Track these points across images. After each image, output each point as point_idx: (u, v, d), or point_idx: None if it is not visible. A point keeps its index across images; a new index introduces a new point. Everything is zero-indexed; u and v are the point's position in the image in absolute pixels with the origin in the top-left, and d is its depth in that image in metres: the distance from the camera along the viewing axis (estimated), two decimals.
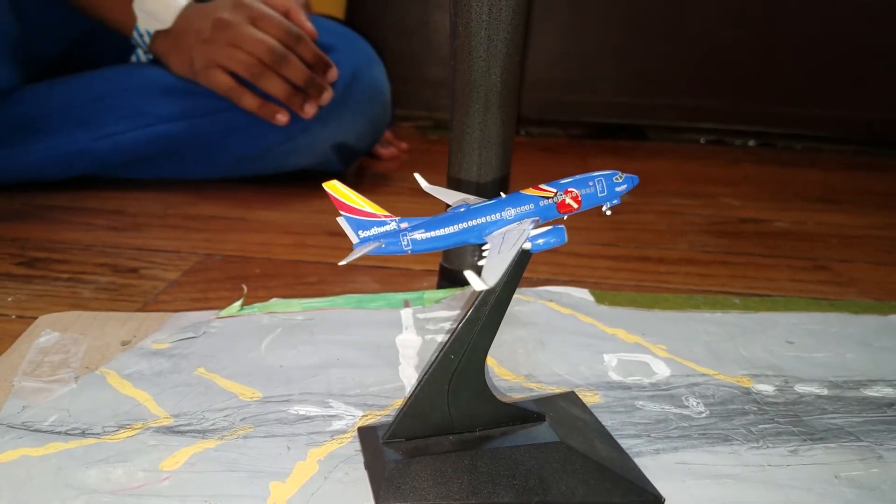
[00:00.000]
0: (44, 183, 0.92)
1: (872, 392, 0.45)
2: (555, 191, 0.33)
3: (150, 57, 0.96)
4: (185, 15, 0.89)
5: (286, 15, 0.91)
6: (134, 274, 0.65)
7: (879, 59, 1.52)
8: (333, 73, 0.92)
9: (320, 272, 0.67)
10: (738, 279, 0.71)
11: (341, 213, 0.33)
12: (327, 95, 0.91)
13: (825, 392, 0.45)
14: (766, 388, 0.45)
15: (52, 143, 0.90)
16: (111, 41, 0.98)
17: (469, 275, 0.28)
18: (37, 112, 0.91)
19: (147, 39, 0.90)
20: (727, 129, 1.63)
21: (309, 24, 0.92)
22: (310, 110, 0.90)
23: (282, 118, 0.90)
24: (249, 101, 0.88)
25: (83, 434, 0.37)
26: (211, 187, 0.97)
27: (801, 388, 0.45)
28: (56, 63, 0.98)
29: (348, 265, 0.69)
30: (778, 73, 1.57)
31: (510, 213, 0.33)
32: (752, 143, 1.63)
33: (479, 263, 0.30)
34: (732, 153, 1.55)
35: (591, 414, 0.41)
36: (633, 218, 0.94)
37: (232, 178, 1.00)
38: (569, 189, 0.33)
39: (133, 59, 0.99)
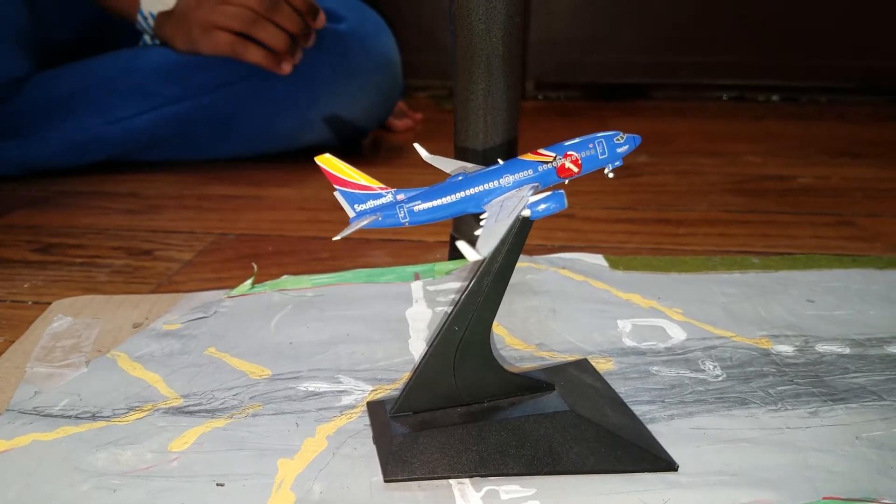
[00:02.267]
0: (59, 171, 0.93)
1: None
2: (554, 155, 0.32)
3: (157, 42, 0.95)
4: None
5: None
6: (148, 256, 0.65)
7: None
8: (321, 19, 0.90)
9: (333, 248, 0.67)
10: (758, 238, 0.69)
11: (336, 187, 0.32)
12: (311, 40, 0.90)
13: (847, 351, 0.44)
14: (786, 349, 0.44)
15: (64, 130, 0.91)
16: (123, 26, 0.98)
17: (462, 245, 0.28)
18: (48, 99, 0.91)
19: (151, 22, 0.90)
20: (750, 84, 1.59)
21: None
22: (298, 56, 0.89)
23: (286, 66, 0.89)
24: (254, 54, 0.88)
25: (93, 417, 0.37)
26: (225, 167, 0.97)
27: (822, 348, 0.44)
28: (69, 49, 0.98)
29: (361, 239, 0.69)
30: (801, 23, 1.51)
31: (508, 179, 0.32)
32: (775, 97, 1.59)
33: (476, 233, 0.29)
34: (755, 109, 1.51)
35: (604, 381, 0.40)
36: (651, 180, 0.92)
37: (245, 156, 1.00)
38: (568, 153, 0.32)
39: (141, 44, 0.99)
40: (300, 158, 0.98)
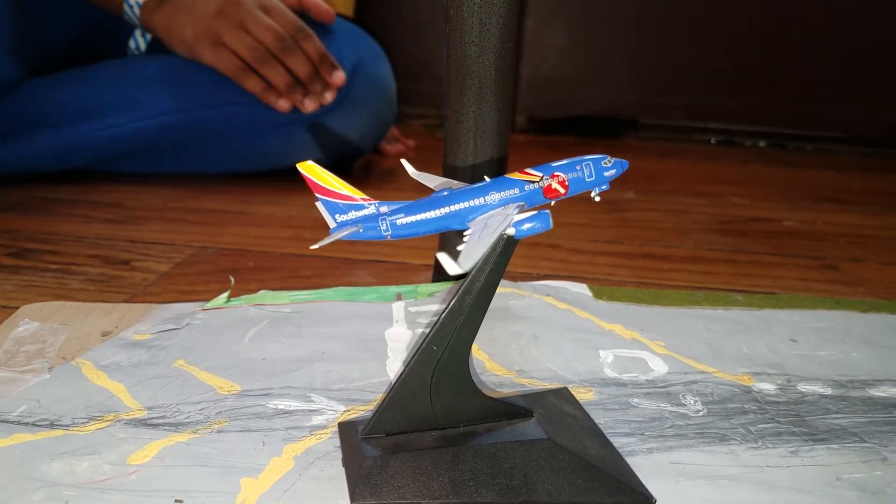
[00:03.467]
0: (44, 176, 0.91)
1: (878, 392, 0.43)
2: (541, 175, 0.31)
3: (147, 38, 0.94)
4: None
5: (300, 2, 0.91)
6: (125, 266, 0.64)
7: (893, 58, 1.49)
8: (340, 77, 0.90)
9: (316, 266, 0.66)
10: (743, 277, 0.69)
11: (318, 196, 0.32)
12: (329, 96, 0.90)
13: (829, 391, 0.43)
14: (768, 387, 0.43)
15: (54, 136, 0.90)
16: (115, 32, 0.97)
17: (442, 257, 0.27)
18: (39, 106, 0.90)
19: (137, 11, 0.89)
20: (737, 129, 1.61)
21: (325, 4, 0.91)
22: (310, 106, 0.89)
23: (283, 104, 0.89)
24: (253, 84, 0.87)
25: (51, 425, 0.36)
26: (212, 181, 0.96)
27: (804, 388, 0.44)
28: (62, 56, 0.97)
29: (345, 259, 0.68)
30: (790, 72, 1.54)
31: (494, 197, 0.31)
32: (762, 143, 1.61)
33: (458, 248, 0.29)
34: (742, 154, 1.53)
35: (583, 411, 0.39)
36: (638, 216, 0.92)
37: (234, 172, 0.99)
38: (555, 173, 0.32)
39: (131, 42, 0.98)
40: (289, 176, 0.97)
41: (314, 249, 0.34)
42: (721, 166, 1.38)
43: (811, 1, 1.47)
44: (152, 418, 0.37)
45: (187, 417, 0.37)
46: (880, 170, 1.41)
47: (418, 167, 0.38)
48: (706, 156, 1.49)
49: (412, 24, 1.60)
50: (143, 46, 0.99)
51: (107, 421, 0.36)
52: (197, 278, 0.62)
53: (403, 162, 0.38)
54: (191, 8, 0.87)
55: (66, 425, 0.36)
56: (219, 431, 0.36)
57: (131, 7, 0.89)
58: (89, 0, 0.91)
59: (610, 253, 0.75)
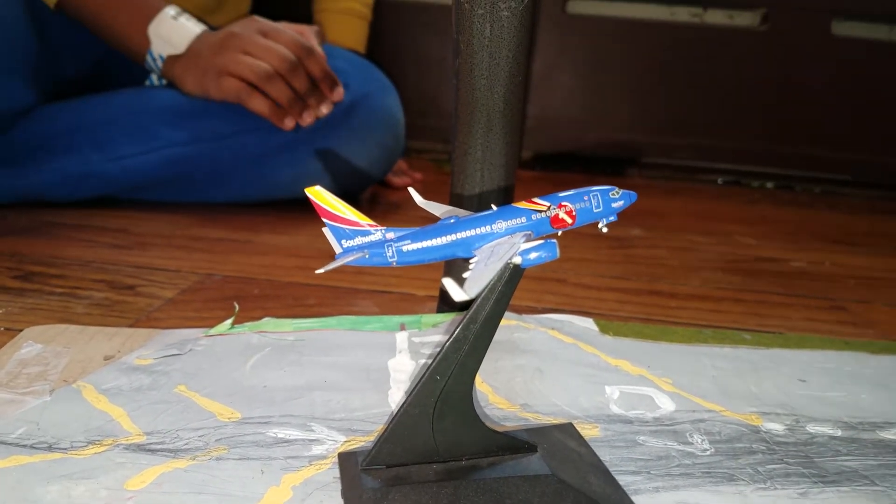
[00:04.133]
0: (52, 203, 0.92)
1: (889, 435, 0.42)
2: (548, 204, 0.31)
3: (164, 81, 0.96)
4: (198, 40, 0.89)
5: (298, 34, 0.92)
6: (130, 291, 0.64)
7: None
8: (340, 93, 0.91)
9: (320, 295, 0.66)
10: (750, 316, 0.68)
11: (325, 221, 0.32)
12: (325, 108, 0.91)
13: (839, 433, 0.42)
14: (776, 427, 0.43)
15: (63, 163, 0.90)
16: (133, 64, 0.99)
17: (448, 282, 0.27)
18: (50, 132, 0.91)
19: (160, 63, 0.91)
20: (745, 170, 1.61)
21: (319, 48, 0.92)
22: (307, 118, 0.90)
23: (289, 123, 0.89)
24: (259, 104, 0.88)
25: (49, 448, 0.35)
26: (219, 210, 0.97)
27: (813, 429, 0.43)
28: (79, 83, 0.98)
29: (350, 288, 0.67)
30: (797, 115, 1.55)
31: (501, 226, 0.31)
32: (770, 184, 1.61)
33: (464, 276, 0.28)
34: (750, 194, 1.53)
35: (589, 447, 0.39)
36: (645, 252, 0.92)
37: (242, 202, 0.99)
38: (563, 203, 0.31)
39: (147, 83, 1.00)
40: (296, 206, 0.98)
41: (319, 275, 0.33)
42: (728, 206, 1.38)
43: (820, 47, 1.49)
44: (151, 444, 0.36)
45: (186, 444, 0.37)
46: (887, 213, 1.41)
47: (425, 198, 0.38)
48: (713, 195, 1.49)
49: (422, 61, 1.62)
50: (156, 84, 1.01)
51: (105, 445, 0.36)
52: (202, 305, 0.62)
53: (410, 190, 0.38)
54: (199, 52, 0.89)
55: (65, 448, 0.35)
56: (217, 459, 0.36)
57: (154, 60, 0.91)
58: (110, 41, 0.92)
59: (616, 289, 0.75)
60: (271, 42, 0.87)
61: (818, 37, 1.47)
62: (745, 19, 1.50)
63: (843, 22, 1.47)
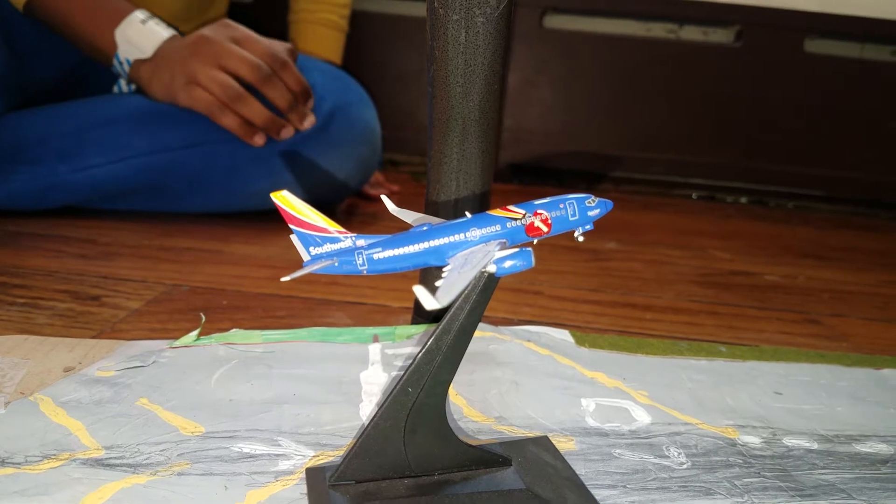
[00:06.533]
0: (17, 212, 0.90)
1: (865, 448, 0.42)
2: (523, 212, 0.31)
3: (132, 87, 0.94)
4: (167, 43, 0.87)
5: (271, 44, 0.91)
6: (95, 302, 0.62)
7: (872, 119, 1.52)
8: (311, 121, 0.90)
9: (291, 306, 0.64)
10: (725, 329, 0.68)
11: (292, 227, 0.31)
12: (308, 122, 0.90)
13: (815, 446, 0.42)
14: (753, 440, 0.42)
15: (29, 174, 0.88)
16: (102, 72, 0.97)
17: (419, 290, 0.26)
18: (14, 142, 0.89)
19: (127, 68, 0.89)
20: (719, 185, 1.63)
21: (292, 63, 0.91)
22: (286, 133, 0.89)
23: (259, 140, 0.88)
24: (229, 120, 0.86)
25: (3, 463, 0.33)
26: (189, 220, 0.95)
27: (789, 441, 0.42)
28: (50, 92, 0.96)
29: (322, 300, 0.66)
30: (771, 131, 1.57)
31: (475, 234, 0.31)
32: (743, 199, 1.62)
33: (437, 284, 0.27)
34: (724, 209, 1.54)
35: (564, 461, 0.38)
36: (620, 265, 0.92)
37: (215, 212, 0.98)
38: (538, 211, 0.31)
39: (115, 88, 0.98)
40: (270, 217, 0.96)
41: (289, 285, 0.32)
42: (702, 220, 1.39)
43: (793, 64, 1.51)
44: (110, 458, 0.35)
45: (147, 458, 0.35)
46: (859, 228, 1.42)
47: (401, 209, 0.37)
48: (688, 210, 1.50)
49: (399, 73, 1.62)
50: (125, 89, 0.99)
51: (61, 460, 0.34)
52: (167, 316, 0.60)
53: (384, 198, 0.37)
54: (169, 56, 0.87)
55: (18, 463, 0.34)
56: (179, 474, 0.34)
57: (121, 64, 0.89)
58: (78, 44, 0.90)
59: (592, 301, 0.74)
60: (245, 52, 0.86)
61: (791, 54, 1.50)
62: (719, 36, 1.52)
63: (816, 40, 1.49)
